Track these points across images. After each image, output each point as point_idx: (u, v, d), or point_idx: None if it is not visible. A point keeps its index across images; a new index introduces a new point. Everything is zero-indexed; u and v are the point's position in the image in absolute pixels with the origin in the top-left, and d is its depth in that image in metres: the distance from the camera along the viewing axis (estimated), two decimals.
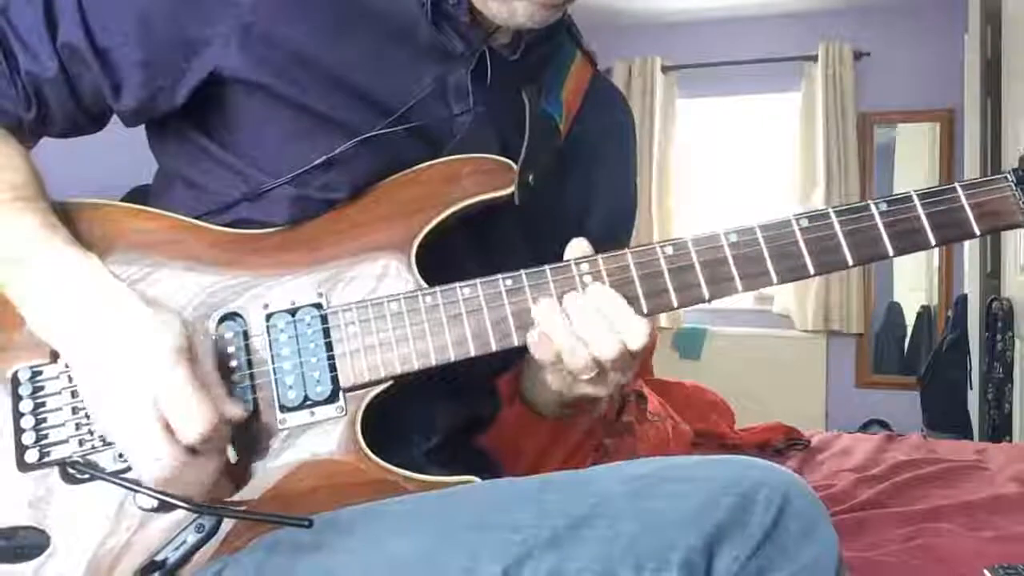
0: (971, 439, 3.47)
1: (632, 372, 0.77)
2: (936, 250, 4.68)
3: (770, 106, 5.12)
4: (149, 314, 0.70)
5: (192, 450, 0.68)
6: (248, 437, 0.74)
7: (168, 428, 0.67)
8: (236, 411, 0.71)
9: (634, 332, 0.73)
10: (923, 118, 4.79)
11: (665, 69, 5.07)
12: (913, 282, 5.02)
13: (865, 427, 4.44)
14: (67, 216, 0.77)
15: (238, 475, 0.74)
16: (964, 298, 3.92)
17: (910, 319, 4.98)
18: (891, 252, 0.76)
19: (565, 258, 0.77)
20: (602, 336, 0.73)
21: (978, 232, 0.77)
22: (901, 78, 4.70)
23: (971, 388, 3.79)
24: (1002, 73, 3.53)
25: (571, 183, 0.93)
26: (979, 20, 3.69)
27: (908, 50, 4.68)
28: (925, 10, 4.62)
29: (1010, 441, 3.22)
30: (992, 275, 3.69)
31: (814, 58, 4.80)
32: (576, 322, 0.73)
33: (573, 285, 0.76)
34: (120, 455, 0.73)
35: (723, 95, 5.12)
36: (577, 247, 0.77)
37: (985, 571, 1.29)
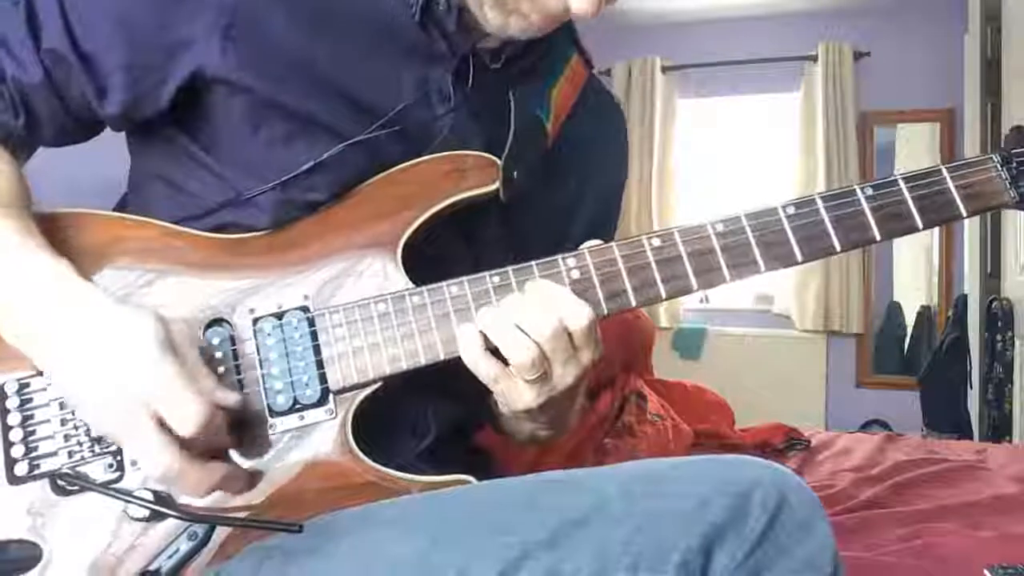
0: (971, 439, 3.47)
1: (579, 372, 0.74)
2: (936, 250, 4.69)
3: (770, 106, 5.11)
4: (123, 311, 0.68)
5: (191, 444, 0.66)
6: (238, 443, 0.73)
7: (163, 424, 0.65)
8: (229, 398, 0.69)
9: (572, 311, 0.72)
10: (923, 118, 4.78)
11: (665, 69, 5.06)
12: (913, 282, 5.01)
13: (865, 427, 4.44)
14: (51, 226, 0.75)
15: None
16: (964, 298, 3.91)
17: (910, 319, 4.97)
18: (878, 236, 0.75)
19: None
20: (538, 317, 0.72)
21: (965, 214, 0.76)
22: (901, 78, 4.69)
23: (971, 388, 3.78)
24: (1002, 73, 3.52)
25: (560, 183, 0.92)
26: (979, 20, 3.69)
27: (908, 50, 4.68)
28: (925, 10, 4.62)
29: (1010, 441, 3.22)
30: (992, 275, 3.68)
31: (814, 58, 4.79)
32: (510, 311, 0.73)
33: (560, 281, 0.75)
34: (111, 465, 0.72)
35: (723, 95, 5.12)
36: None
37: (985, 571, 1.29)
